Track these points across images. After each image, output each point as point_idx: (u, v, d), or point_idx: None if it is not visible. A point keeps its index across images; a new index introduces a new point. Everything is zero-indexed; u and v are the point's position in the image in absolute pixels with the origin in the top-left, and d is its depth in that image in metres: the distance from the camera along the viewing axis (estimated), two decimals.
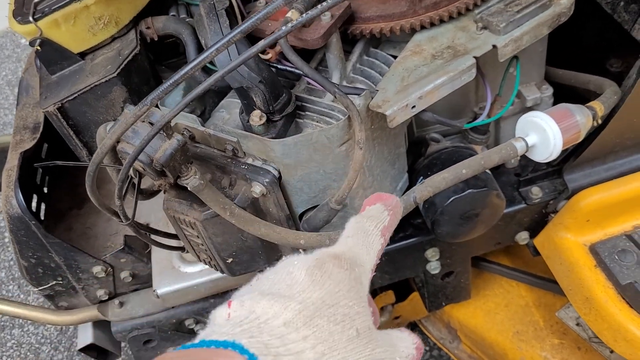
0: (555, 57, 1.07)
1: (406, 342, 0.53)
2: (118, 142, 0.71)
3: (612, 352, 1.19)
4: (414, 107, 0.78)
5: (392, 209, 0.59)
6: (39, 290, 1.05)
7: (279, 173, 0.79)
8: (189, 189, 0.74)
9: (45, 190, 1.15)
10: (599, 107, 0.83)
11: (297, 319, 0.47)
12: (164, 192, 0.81)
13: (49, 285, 1.04)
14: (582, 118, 0.80)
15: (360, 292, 0.52)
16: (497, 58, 0.82)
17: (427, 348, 1.60)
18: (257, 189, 0.78)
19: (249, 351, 0.44)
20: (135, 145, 0.67)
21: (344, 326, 0.48)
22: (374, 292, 1.35)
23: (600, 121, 0.85)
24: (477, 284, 1.33)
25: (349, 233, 0.57)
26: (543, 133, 0.77)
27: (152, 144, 0.68)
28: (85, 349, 1.10)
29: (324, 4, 0.72)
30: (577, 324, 1.22)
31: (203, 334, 0.47)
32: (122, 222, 0.78)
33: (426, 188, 0.75)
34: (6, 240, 2.08)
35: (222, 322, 0.48)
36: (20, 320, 1.88)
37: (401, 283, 1.34)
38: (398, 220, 0.60)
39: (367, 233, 0.57)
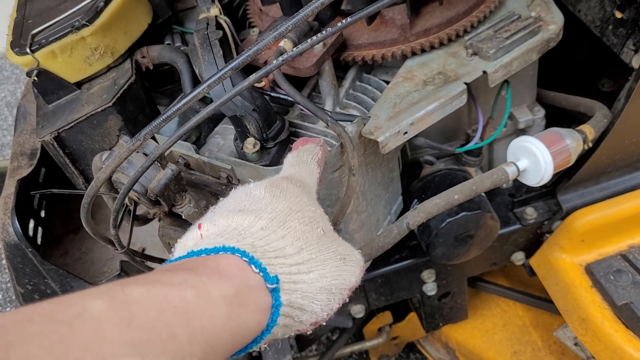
0: (547, 77, 1.09)
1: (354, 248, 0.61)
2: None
3: None
4: (406, 133, 0.79)
5: (322, 146, 0.68)
6: None
7: None
8: (183, 217, 0.75)
9: (43, 214, 1.16)
10: (589, 130, 0.84)
11: (272, 224, 0.53)
12: (159, 220, 0.81)
13: None
14: (572, 142, 0.81)
15: (315, 201, 0.60)
16: (489, 82, 0.83)
17: None
18: None
19: (239, 249, 0.49)
20: (129, 176, 0.68)
21: (312, 226, 0.56)
22: (372, 313, 1.35)
23: (590, 144, 0.86)
24: (475, 304, 1.33)
25: (291, 163, 0.65)
26: (534, 158, 0.78)
27: (147, 174, 0.69)
28: None
29: (317, 36, 0.73)
30: (575, 344, 1.22)
31: (179, 253, 0.52)
32: (117, 250, 0.79)
33: (419, 214, 0.76)
34: (3, 262, 2.08)
35: (196, 241, 0.52)
36: None
37: (399, 303, 1.35)
38: (326, 156, 0.69)
39: (306, 162, 0.65)
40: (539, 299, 1.25)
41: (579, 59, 1.20)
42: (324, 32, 0.70)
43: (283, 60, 0.64)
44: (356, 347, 1.37)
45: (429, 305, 1.20)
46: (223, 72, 0.59)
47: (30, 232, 1.07)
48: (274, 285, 0.50)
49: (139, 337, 0.39)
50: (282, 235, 0.53)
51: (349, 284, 0.57)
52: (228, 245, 0.50)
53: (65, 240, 1.13)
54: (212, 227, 0.53)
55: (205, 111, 0.62)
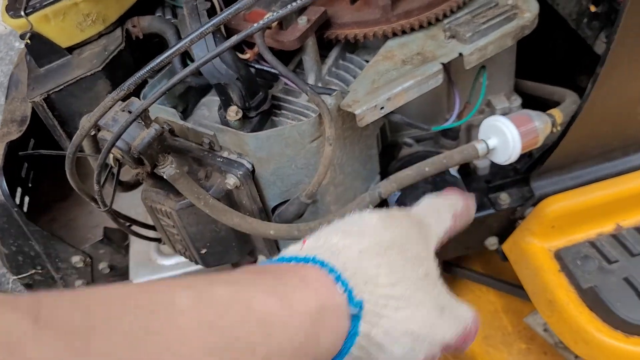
0: (529, 72, 1.13)
1: (466, 307, 0.58)
2: (99, 129, 0.75)
3: (576, 357, 1.23)
4: (382, 108, 0.82)
5: (466, 201, 0.63)
6: (18, 278, 1.07)
7: (253, 167, 0.83)
8: (165, 177, 0.78)
9: (30, 184, 1.19)
10: (558, 114, 0.88)
11: (371, 249, 0.50)
12: (142, 182, 0.84)
13: (29, 274, 1.06)
14: (540, 124, 0.84)
15: (429, 244, 0.56)
16: (464, 65, 0.87)
17: None
18: (231, 180, 0.82)
19: (329, 264, 0.47)
20: (114, 133, 0.71)
21: (414, 264, 0.51)
22: None
23: (559, 128, 0.89)
24: (450, 289, 1.36)
25: (424, 203, 0.61)
26: (503, 136, 0.82)
27: (131, 132, 0.72)
28: None
29: (296, 2, 0.76)
30: (545, 330, 1.26)
31: (277, 257, 0.50)
32: (99, 208, 0.82)
33: (391, 183, 0.79)
34: None
35: (296, 250, 0.51)
36: None
37: None
38: (470, 216, 0.63)
39: (439, 210, 0.61)
40: (511, 285, 1.29)
41: (558, 57, 1.24)
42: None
43: (264, 23, 0.67)
44: None
45: None
46: (205, 27, 0.62)
47: (17, 201, 1.10)
48: (356, 311, 0.47)
49: (218, 343, 0.37)
50: (379, 263, 0.50)
51: (441, 339, 0.52)
52: (319, 258, 0.48)
53: (53, 207, 1.16)
54: (313, 241, 0.52)
55: (189, 68, 0.65)
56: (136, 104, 0.71)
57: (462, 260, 1.36)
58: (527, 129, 0.83)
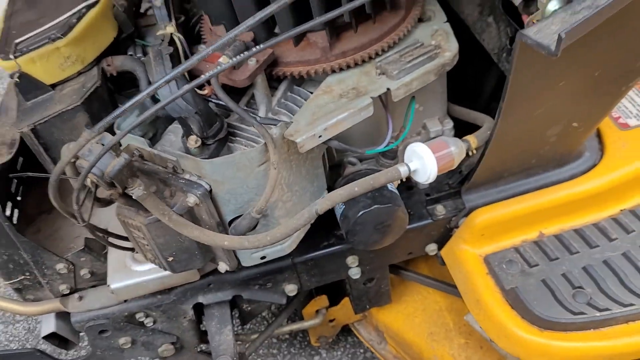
0: (468, 96, 1.28)
1: None
2: (77, 158, 0.89)
3: None
4: (320, 136, 0.97)
5: None
6: (9, 283, 1.21)
7: (210, 187, 0.97)
8: (134, 197, 0.92)
9: (19, 198, 1.32)
10: (473, 140, 1.03)
11: None
12: (115, 201, 0.98)
13: (18, 279, 1.20)
14: (456, 149, 0.99)
15: None
16: (392, 97, 1.01)
17: (362, 350, 1.77)
18: (192, 199, 0.96)
19: None
20: (89, 162, 0.85)
21: None
22: (310, 295, 1.53)
23: (474, 152, 1.04)
24: (400, 291, 1.51)
25: None
26: (422, 160, 0.97)
27: (104, 160, 0.86)
28: (48, 337, 1.26)
29: (247, 52, 0.91)
30: (481, 327, 1.41)
31: None
32: (79, 223, 0.95)
33: (326, 201, 0.94)
34: None
35: None
36: None
37: (335, 289, 1.53)
38: None
39: None
40: (454, 287, 1.43)
41: (491, 85, 1.39)
42: (254, 49, 0.88)
43: (218, 70, 0.81)
44: (295, 326, 1.54)
45: (356, 288, 1.38)
46: (169, 76, 0.76)
47: (8, 213, 1.23)
48: None
49: None
50: None
51: None
52: None
53: (38, 220, 1.29)
54: None
55: (154, 109, 0.80)
56: (107, 137, 0.85)
57: (410, 264, 1.51)
58: (443, 154, 0.98)
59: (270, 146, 0.92)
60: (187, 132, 0.97)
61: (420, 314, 1.48)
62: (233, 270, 1.15)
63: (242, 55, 0.92)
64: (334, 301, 1.56)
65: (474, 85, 1.37)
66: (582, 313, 1.12)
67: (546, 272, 1.19)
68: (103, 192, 1.03)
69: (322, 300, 1.53)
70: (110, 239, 1.08)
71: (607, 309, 1.11)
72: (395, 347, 1.56)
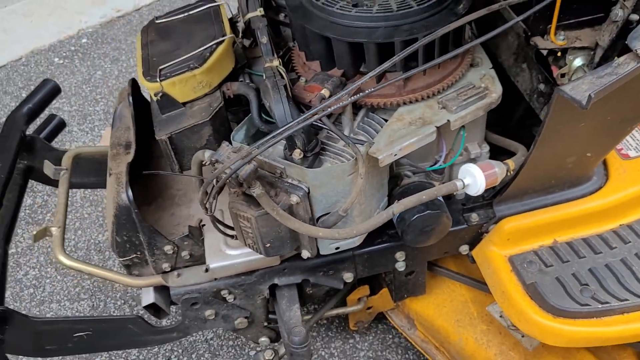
0: (502, 124, 1.56)
1: None
2: (212, 162, 1.16)
3: (523, 336, 1.66)
4: (395, 155, 1.25)
5: None
6: (122, 260, 1.47)
7: (308, 190, 1.25)
8: (254, 195, 1.19)
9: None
10: (511, 163, 1.32)
11: None
12: (233, 196, 1.25)
13: (130, 257, 1.46)
14: (499, 170, 1.28)
15: None
16: (450, 127, 1.29)
17: (390, 336, 2.05)
18: (294, 198, 1.23)
19: None
20: (229, 166, 1.12)
21: None
22: (353, 285, 1.80)
23: (512, 172, 1.33)
24: (431, 284, 1.79)
25: None
26: (473, 177, 1.25)
27: (237, 165, 1.13)
28: (148, 307, 1.52)
29: (350, 99, 1.19)
30: (501, 316, 1.69)
31: None
32: (207, 213, 1.22)
33: (399, 205, 1.21)
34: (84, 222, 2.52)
35: None
36: (58, 296, 2.28)
37: (375, 281, 1.80)
38: None
39: None
40: (477, 282, 1.72)
41: (519, 115, 1.68)
42: (348, 89, 1.16)
43: (341, 105, 1.11)
44: (340, 310, 1.81)
45: (398, 279, 1.66)
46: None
47: None
48: None
49: None
50: None
51: None
52: None
53: (141, 211, 1.55)
54: None
55: (286, 133, 1.07)
56: (244, 149, 1.12)
57: (440, 262, 1.79)
58: (490, 173, 1.26)
59: (360, 161, 1.19)
60: (292, 147, 1.25)
61: (448, 304, 1.76)
62: (310, 258, 1.42)
63: (346, 100, 1.20)
64: (373, 291, 1.84)
65: (505, 115, 1.66)
66: (587, 305, 1.40)
67: (559, 272, 1.47)
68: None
69: (364, 290, 1.80)
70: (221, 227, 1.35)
71: (607, 302, 1.39)
72: (424, 332, 1.83)
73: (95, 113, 3.00)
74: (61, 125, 1.93)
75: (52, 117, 1.92)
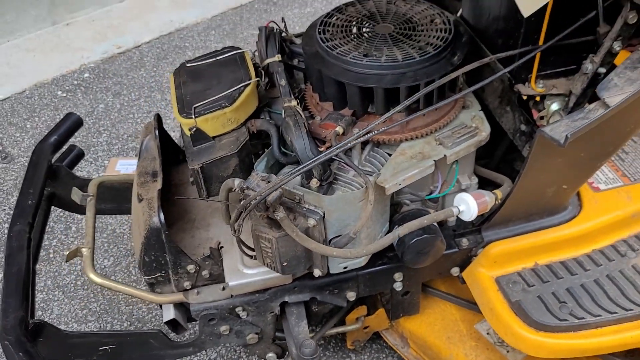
0: (487, 157, 1.76)
1: None
2: (241, 189, 1.33)
3: (508, 351, 1.83)
4: (400, 184, 1.43)
5: None
6: (147, 278, 1.61)
7: (324, 214, 1.42)
8: (277, 219, 1.36)
9: None
10: (499, 193, 1.51)
11: None
12: (257, 219, 1.41)
13: (155, 276, 1.60)
14: (489, 198, 1.47)
15: None
16: (446, 161, 1.49)
17: (384, 355, 2.20)
18: (311, 222, 1.40)
19: None
20: (258, 192, 1.29)
21: None
22: (352, 306, 1.96)
23: (499, 201, 1.52)
24: (424, 304, 1.95)
25: None
26: (467, 205, 1.43)
27: (265, 191, 1.30)
28: (168, 323, 1.66)
29: (360, 138, 1.37)
30: (488, 333, 1.86)
31: None
32: (234, 235, 1.38)
33: (404, 228, 1.39)
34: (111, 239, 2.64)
35: None
36: (66, 318, 2.38)
37: (372, 302, 1.96)
38: None
39: None
40: (467, 302, 1.89)
41: (500, 152, 1.88)
42: (359, 128, 1.35)
43: (355, 143, 1.28)
44: (340, 329, 1.96)
45: (395, 299, 1.82)
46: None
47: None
48: None
49: None
50: None
51: None
52: None
53: None
54: None
55: (308, 166, 1.24)
56: (273, 177, 1.29)
57: (432, 283, 1.96)
58: (481, 201, 1.45)
59: (370, 189, 1.37)
60: (309, 176, 1.42)
61: (439, 323, 1.92)
62: (320, 277, 1.57)
63: (352, 135, 1.38)
64: (368, 312, 1.99)
65: (490, 150, 1.86)
66: (565, 320, 1.57)
67: (540, 291, 1.65)
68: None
69: (362, 310, 1.96)
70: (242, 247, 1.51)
71: (582, 318, 1.57)
72: (417, 350, 1.99)
73: (99, 144, 3.14)
74: (80, 154, 2.07)
75: (72, 147, 2.07)
